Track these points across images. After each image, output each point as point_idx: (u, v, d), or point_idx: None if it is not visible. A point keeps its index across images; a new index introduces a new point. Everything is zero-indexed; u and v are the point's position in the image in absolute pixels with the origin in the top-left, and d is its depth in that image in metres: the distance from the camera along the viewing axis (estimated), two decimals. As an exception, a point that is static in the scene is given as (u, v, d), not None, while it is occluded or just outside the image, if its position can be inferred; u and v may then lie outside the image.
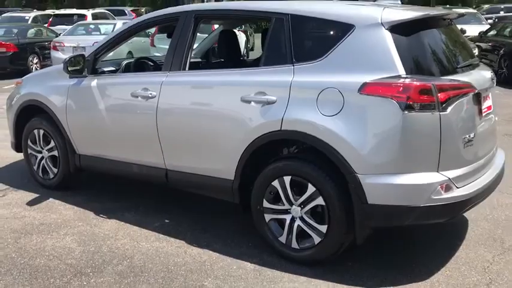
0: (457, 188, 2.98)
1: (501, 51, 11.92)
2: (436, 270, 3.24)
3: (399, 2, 3.38)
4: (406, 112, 2.83)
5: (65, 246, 3.65)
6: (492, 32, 13.47)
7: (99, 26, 14.24)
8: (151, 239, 3.76)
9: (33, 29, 15.16)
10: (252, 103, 3.30)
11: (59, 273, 3.26)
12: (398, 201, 2.92)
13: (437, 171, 2.92)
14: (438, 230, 3.86)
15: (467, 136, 3.03)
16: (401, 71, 2.90)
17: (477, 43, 13.05)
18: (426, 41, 3.12)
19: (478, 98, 3.21)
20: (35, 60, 13.95)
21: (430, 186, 2.88)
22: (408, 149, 2.90)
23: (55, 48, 13.10)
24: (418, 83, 2.84)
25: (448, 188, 2.94)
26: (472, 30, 14.28)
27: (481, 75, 3.36)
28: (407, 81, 2.85)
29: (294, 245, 3.30)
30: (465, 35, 12.64)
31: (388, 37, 2.97)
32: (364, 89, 2.92)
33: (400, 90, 2.84)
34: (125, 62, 4.66)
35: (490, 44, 12.89)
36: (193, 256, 3.48)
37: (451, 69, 3.15)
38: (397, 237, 3.76)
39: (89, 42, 12.21)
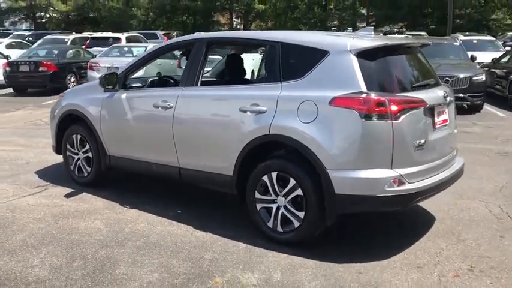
0: (409, 182, 3.69)
1: (510, 77, 12.44)
2: (396, 254, 3.91)
3: (372, 33, 4.12)
4: (364, 120, 3.57)
5: (94, 227, 4.47)
6: (504, 59, 13.98)
7: (132, 48, 15.36)
8: (165, 224, 4.54)
9: (71, 50, 16.47)
10: (248, 112, 4.09)
11: (90, 245, 4.07)
12: (359, 191, 3.65)
13: (391, 168, 3.63)
14: (405, 224, 4.55)
15: (417, 142, 3.74)
16: (363, 88, 3.65)
17: (491, 69, 13.57)
18: (387, 64, 3.89)
19: (431, 112, 3.92)
20: (72, 79, 15.17)
21: (384, 180, 3.60)
22: (366, 149, 3.63)
23: (91, 68, 14.26)
24: (375, 97, 3.58)
25: (400, 182, 3.64)
26: (488, 56, 14.82)
27: (435, 93, 4.06)
28: (367, 96, 3.60)
29: (279, 228, 4.03)
30: (477, 61, 13.23)
31: (354, 61, 3.73)
32: (333, 101, 3.68)
33: (360, 103, 3.59)
34: (150, 80, 5.54)
35: (503, 70, 13.40)
36: (198, 237, 4.25)
37: (407, 87, 3.89)
38: (369, 229, 4.46)
39: (123, 63, 13.26)
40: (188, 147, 4.58)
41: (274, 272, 3.63)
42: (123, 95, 5.07)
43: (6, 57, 16.73)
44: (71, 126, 5.67)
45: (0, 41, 22.36)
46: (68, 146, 5.72)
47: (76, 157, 5.66)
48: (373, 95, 3.60)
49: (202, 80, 4.73)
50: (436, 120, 4.00)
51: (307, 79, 3.90)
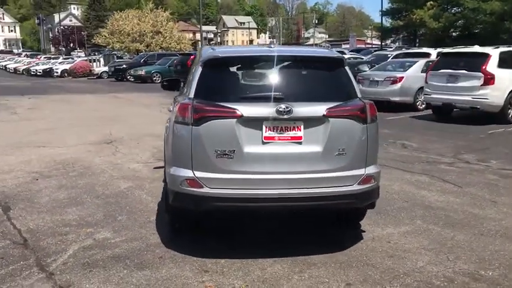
0: (207, 187, 3.81)
1: None
2: (234, 258, 4.00)
3: (272, 46, 3.95)
4: (175, 123, 3.97)
5: (117, 186, 6.15)
6: None
7: (407, 62, 15.18)
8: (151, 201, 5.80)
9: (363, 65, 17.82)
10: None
11: (85, 192, 5.80)
12: (170, 186, 4.05)
13: (191, 170, 3.85)
14: (325, 242, 4.35)
15: (220, 150, 3.75)
16: (192, 95, 3.99)
17: None
18: (226, 75, 4.04)
19: (258, 125, 3.80)
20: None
21: (179, 178, 3.88)
22: (175, 150, 4.00)
23: (359, 81, 15.26)
24: (182, 104, 3.92)
25: (197, 184, 3.81)
26: None
27: (267, 108, 3.78)
28: (180, 101, 3.97)
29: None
30: None
31: (198, 70, 4.08)
32: (178, 106, 4.16)
33: (176, 107, 4.00)
34: None
35: None
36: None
37: (234, 98, 3.86)
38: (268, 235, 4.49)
39: (382, 77, 14.00)
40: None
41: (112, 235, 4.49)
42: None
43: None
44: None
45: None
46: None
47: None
48: (183, 101, 3.95)
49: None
50: (271, 134, 3.80)
51: (188, 86, 4.47)
